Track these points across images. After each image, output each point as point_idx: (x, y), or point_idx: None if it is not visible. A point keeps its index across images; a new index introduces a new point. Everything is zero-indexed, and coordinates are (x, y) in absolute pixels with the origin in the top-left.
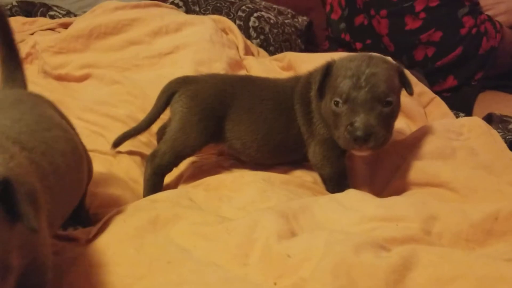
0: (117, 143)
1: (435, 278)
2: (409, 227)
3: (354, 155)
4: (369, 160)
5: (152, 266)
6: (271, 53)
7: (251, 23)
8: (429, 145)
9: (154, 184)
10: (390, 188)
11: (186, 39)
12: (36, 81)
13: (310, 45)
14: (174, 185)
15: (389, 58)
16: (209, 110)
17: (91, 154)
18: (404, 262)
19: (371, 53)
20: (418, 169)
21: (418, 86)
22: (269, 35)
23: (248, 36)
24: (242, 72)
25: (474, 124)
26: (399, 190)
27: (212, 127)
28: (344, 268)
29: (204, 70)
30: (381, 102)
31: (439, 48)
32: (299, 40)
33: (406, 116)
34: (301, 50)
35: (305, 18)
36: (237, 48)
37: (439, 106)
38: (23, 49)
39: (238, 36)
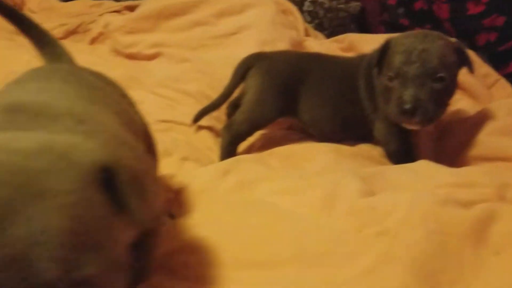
0: (197, 118)
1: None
2: (484, 192)
3: (420, 132)
4: (435, 136)
5: (242, 219)
6: (327, 37)
7: (305, 8)
8: (496, 122)
9: (229, 152)
10: (456, 164)
11: (249, 20)
12: (108, 59)
13: (363, 31)
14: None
15: (448, 37)
16: (283, 85)
17: (167, 125)
18: (488, 215)
19: (429, 30)
20: (485, 145)
21: (483, 67)
22: (323, 20)
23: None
24: None
25: None
26: (466, 165)
27: (286, 101)
28: (433, 216)
29: (269, 49)
30: (432, 77)
31: (502, 33)
32: (352, 25)
33: (471, 96)
34: None
35: (357, 3)
36: (297, 29)
37: (504, 88)
38: (95, 29)
39: (298, 18)
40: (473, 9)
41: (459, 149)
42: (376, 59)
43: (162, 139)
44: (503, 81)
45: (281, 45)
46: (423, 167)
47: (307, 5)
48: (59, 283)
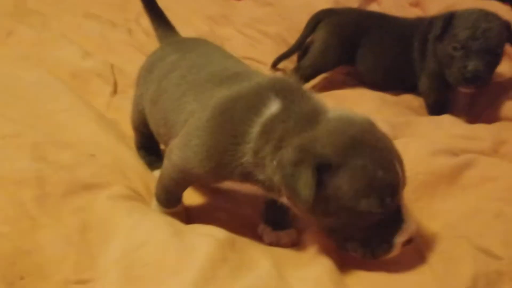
0: (275, 63)
1: (482, 176)
2: (480, 144)
3: (459, 90)
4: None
5: None
6: None
7: None
8: None
9: None
10: (483, 118)
11: None
12: None
13: None
14: None
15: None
16: (346, 38)
17: (248, 61)
18: (465, 163)
19: (486, 10)
20: (508, 106)
21: None
22: None
23: None
24: (374, 5)
25: None
26: (490, 120)
27: (346, 51)
28: (425, 161)
29: (343, 0)
30: (491, 53)
31: None
32: None
33: (510, 60)
34: None
35: None
36: None
37: None
38: None
39: None
40: None
41: (487, 106)
42: (440, 29)
43: None
44: None
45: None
46: (445, 120)
47: None
48: None
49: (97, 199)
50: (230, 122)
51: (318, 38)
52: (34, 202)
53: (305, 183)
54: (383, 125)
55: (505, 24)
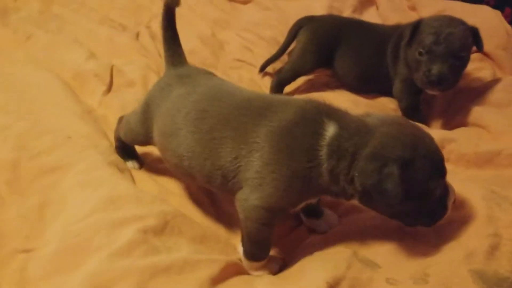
0: (262, 68)
1: None
2: None
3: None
4: (447, 98)
5: None
6: None
7: None
8: (493, 95)
9: (277, 91)
10: (453, 122)
11: None
12: (214, 1)
13: None
14: (291, 95)
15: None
16: (323, 43)
17: (239, 63)
18: None
19: (451, 16)
20: (473, 112)
21: None
22: None
23: None
24: (372, 8)
25: None
26: (458, 125)
27: (324, 56)
28: None
29: (337, 5)
30: (454, 57)
31: None
32: None
33: (496, 65)
34: None
35: None
36: None
37: None
38: None
39: None
40: None
41: (460, 111)
42: (409, 35)
43: (231, 75)
44: None
45: (350, 2)
46: None
47: None
48: None
49: (64, 178)
50: (298, 150)
51: (298, 43)
52: (5, 185)
53: (394, 183)
54: None
55: (470, 29)
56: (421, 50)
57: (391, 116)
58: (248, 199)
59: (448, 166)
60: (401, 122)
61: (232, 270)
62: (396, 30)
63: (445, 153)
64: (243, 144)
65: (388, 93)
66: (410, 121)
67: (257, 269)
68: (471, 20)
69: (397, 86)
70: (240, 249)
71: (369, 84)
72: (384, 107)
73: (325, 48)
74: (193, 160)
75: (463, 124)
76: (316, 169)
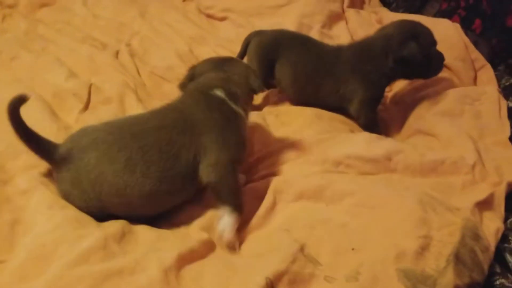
0: None
1: (341, 192)
2: (377, 153)
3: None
4: (406, 107)
5: None
6: (388, 5)
7: None
8: (445, 105)
9: None
10: (409, 131)
11: None
12: (192, 17)
13: None
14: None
15: None
16: (265, 55)
17: None
18: (329, 182)
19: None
20: (427, 121)
21: (474, 53)
22: None
23: None
24: (341, 23)
25: (491, 93)
26: (415, 133)
27: (267, 67)
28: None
29: (306, 21)
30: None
31: None
32: None
33: (455, 76)
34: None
35: None
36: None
37: (487, 73)
38: None
39: None
40: None
41: (416, 120)
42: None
43: None
44: (488, 67)
45: (319, 18)
46: (361, 139)
47: None
48: None
49: (35, 198)
50: (228, 119)
51: (247, 56)
52: None
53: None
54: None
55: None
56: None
57: None
58: (219, 161)
59: (395, 176)
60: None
61: (187, 259)
62: (341, 50)
63: (392, 164)
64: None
65: (332, 109)
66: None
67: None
68: None
69: (355, 106)
70: (224, 220)
71: (308, 99)
72: (346, 120)
73: (267, 59)
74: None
75: (419, 132)
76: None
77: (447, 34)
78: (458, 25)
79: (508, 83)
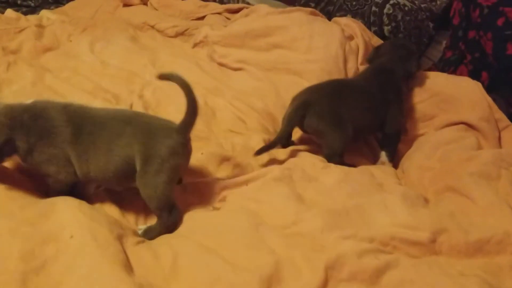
0: (258, 152)
1: (400, 279)
2: (420, 235)
3: None
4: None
5: None
6: None
7: (385, 10)
8: (481, 166)
9: None
10: (440, 185)
11: (316, 56)
12: (203, 64)
13: (443, 29)
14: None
15: None
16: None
17: (232, 134)
18: (386, 265)
19: None
20: (462, 181)
21: (498, 113)
22: (400, 23)
23: (381, 22)
24: None
25: None
26: (445, 190)
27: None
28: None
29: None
30: None
31: None
32: (431, 25)
33: (481, 136)
34: (430, 36)
35: (444, 0)
36: (357, 53)
37: (511, 133)
38: (197, 36)
39: (360, 43)
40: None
41: (445, 175)
42: None
43: (225, 143)
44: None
45: (335, 76)
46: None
47: (387, 8)
48: None
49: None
50: None
51: None
52: None
53: None
54: None
55: None
56: None
57: None
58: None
59: (441, 259)
60: None
61: None
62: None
63: (436, 246)
64: None
65: None
66: None
67: None
68: (454, 91)
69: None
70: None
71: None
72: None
73: None
74: None
75: (452, 190)
76: None
77: (470, 92)
78: (479, 84)
79: None
